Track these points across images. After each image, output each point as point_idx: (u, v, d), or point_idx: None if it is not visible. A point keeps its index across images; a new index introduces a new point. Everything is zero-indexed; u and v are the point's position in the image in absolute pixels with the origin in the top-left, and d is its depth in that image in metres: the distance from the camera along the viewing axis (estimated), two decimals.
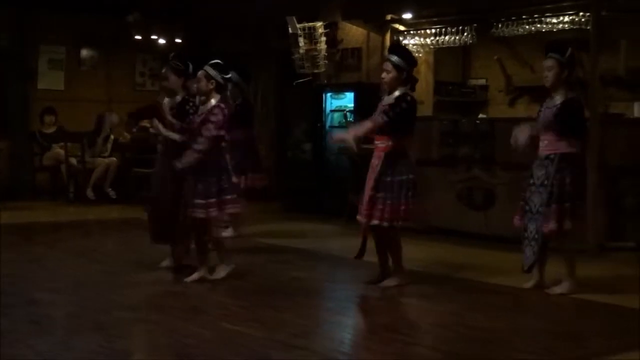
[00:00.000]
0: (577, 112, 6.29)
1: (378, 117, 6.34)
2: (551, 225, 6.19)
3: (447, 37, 10.35)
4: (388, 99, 6.45)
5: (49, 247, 8.38)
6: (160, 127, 6.98)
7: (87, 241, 9.08)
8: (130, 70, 13.94)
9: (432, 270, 7.24)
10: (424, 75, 10.73)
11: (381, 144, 6.45)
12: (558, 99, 6.27)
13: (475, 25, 10.06)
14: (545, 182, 6.23)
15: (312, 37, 11.24)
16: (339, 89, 11.35)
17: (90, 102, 13.07)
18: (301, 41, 11.21)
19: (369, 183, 6.45)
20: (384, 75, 6.49)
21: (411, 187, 6.38)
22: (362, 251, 6.58)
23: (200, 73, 6.63)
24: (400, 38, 10.75)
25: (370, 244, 6.57)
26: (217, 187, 6.44)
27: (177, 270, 7.02)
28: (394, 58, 6.43)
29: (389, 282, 6.53)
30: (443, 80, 11.62)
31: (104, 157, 12.46)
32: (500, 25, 9.76)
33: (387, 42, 10.78)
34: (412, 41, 10.67)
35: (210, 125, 6.44)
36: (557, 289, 6.32)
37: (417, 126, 6.64)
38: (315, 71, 11.43)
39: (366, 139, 9.89)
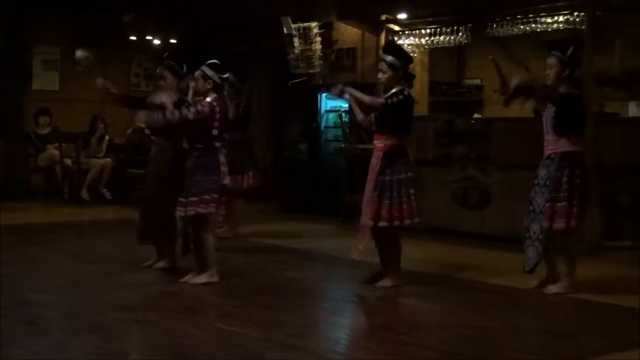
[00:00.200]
0: (575, 110, 6.28)
1: (377, 98, 6.32)
2: (557, 224, 6.17)
3: (442, 37, 10.36)
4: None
5: (44, 248, 8.36)
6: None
7: (82, 242, 9.07)
8: (125, 71, 13.92)
9: (428, 270, 7.24)
10: (419, 75, 10.71)
11: (380, 143, 6.44)
12: None
13: (470, 25, 10.07)
14: (547, 182, 6.23)
15: (307, 37, 11.23)
16: None
17: (85, 103, 13.02)
18: (296, 41, 11.20)
19: (370, 184, 6.44)
20: (380, 75, 6.49)
21: (411, 186, 6.38)
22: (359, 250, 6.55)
23: (197, 73, 6.60)
24: (395, 38, 10.75)
25: (369, 245, 6.56)
26: (201, 187, 6.42)
27: (172, 271, 7.02)
28: (389, 58, 6.44)
29: (385, 282, 6.52)
30: (438, 80, 11.62)
31: (99, 157, 12.44)
32: (495, 25, 9.76)
33: (382, 42, 10.78)
34: (407, 41, 10.67)
35: (192, 109, 6.44)
36: (554, 289, 6.32)
37: (412, 126, 6.63)
38: (311, 71, 11.42)
39: (362, 140, 9.95)
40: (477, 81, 12.03)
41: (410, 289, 6.51)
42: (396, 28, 10.86)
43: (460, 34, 10.15)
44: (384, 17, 10.80)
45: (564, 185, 6.20)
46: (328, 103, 11.35)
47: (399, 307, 6.22)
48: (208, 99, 6.54)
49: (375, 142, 6.51)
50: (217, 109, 6.49)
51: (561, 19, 9.23)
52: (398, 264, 6.57)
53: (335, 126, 11.07)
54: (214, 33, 13.33)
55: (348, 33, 11.53)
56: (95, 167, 12.25)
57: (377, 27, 10.96)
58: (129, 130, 12.69)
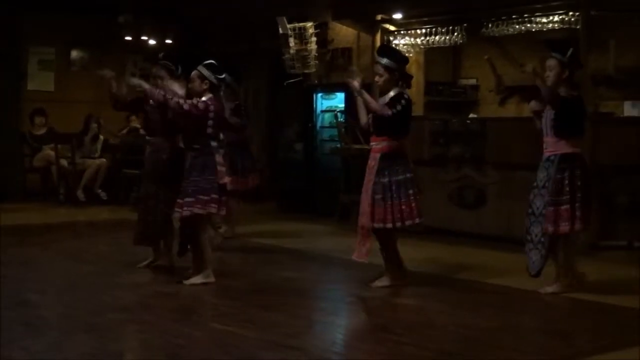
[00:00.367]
0: (575, 111, 6.26)
1: (385, 107, 6.30)
2: (563, 227, 6.15)
3: (437, 37, 10.36)
4: (382, 100, 6.44)
5: (40, 249, 8.35)
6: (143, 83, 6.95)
7: (78, 242, 9.06)
8: (120, 71, 13.89)
9: (424, 269, 7.24)
10: (415, 76, 10.69)
11: (377, 145, 6.43)
12: None
13: (465, 25, 10.08)
14: (547, 184, 6.21)
15: (302, 37, 11.23)
16: (330, 89, 11.36)
17: (80, 103, 13.02)
18: (292, 41, 11.20)
19: (367, 186, 6.43)
20: (377, 79, 6.49)
21: (410, 187, 6.38)
22: (363, 252, 6.53)
23: (193, 73, 6.60)
24: (391, 38, 10.76)
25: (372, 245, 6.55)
26: (197, 187, 6.42)
27: (168, 271, 7.02)
28: (384, 60, 6.43)
29: (381, 282, 6.52)
30: (433, 80, 11.62)
31: (94, 158, 12.43)
32: (490, 25, 9.77)
33: (378, 42, 10.78)
34: (402, 41, 10.67)
35: (187, 101, 6.48)
36: (549, 289, 6.33)
37: (410, 127, 6.62)
38: (306, 71, 11.42)
39: (357, 140, 9.97)
40: (473, 81, 12.03)
41: (407, 289, 6.51)
42: (391, 28, 10.86)
43: (455, 33, 10.16)
44: (379, 17, 10.80)
45: (565, 187, 6.18)
46: (324, 103, 11.36)
47: (395, 307, 6.22)
48: (203, 98, 6.54)
49: (372, 143, 6.50)
50: (212, 107, 6.49)
51: (556, 18, 9.24)
52: (399, 264, 6.57)
53: (331, 126, 11.08)
54: (210, 33, 13.32)
55: (343, 33, 11.53)
56: (90, 167, 12.24)
57: (372, 27, 10.96)
58: (123, 131, 12.71)
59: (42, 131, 12.51)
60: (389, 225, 6.34)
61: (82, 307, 5.81)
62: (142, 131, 7.62)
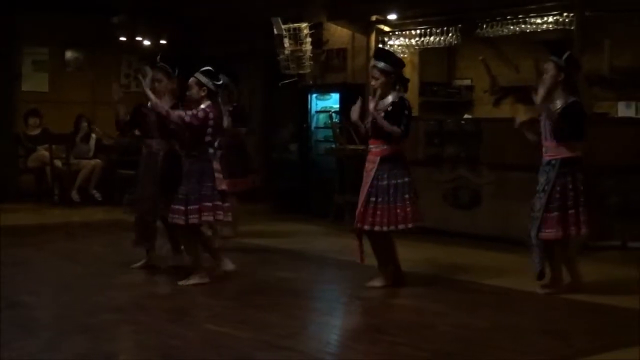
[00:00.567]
0: (577, 117, 6.24)
1: (395, 128, 6.29)
2: (553, 233, 6.15)
3: (432, 38, 10.37)
4: (382, 104, 6.41)
5: (35, 250, 8.34)
6: (150, 95, 6.93)
7: (72, 243, 9.05)
8: (115, 72, 13.89)
9: (419, 270, 7.24)
10: (409, 76, 10.63)
11: (376, 148, 6.41)
12: (558, 102, 6.22)
13: (460, 25, 10.09)
14: (545, 188, 6.19)
15: (297, 38, 11.23)
16: (325, 90, 11.36)
17: (74, 104, 13.02)
18: (286, 42, 11.20)
19: (364, 188, 6.41)
20: (373, 82, 6.48)
21: (407, 191, 6.37)
22: (361, 254, 6.53)
23: (191, 80, 6.58)
24: (385, 39, 10.77)
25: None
26: (198, 194, 6.42)
27: (163, 272, 7.02)
28: (381, 64, 6.41)
29: (375, 283, 6.52)
30: (428, 81, 11.62)
31: (89, 158, 12.41)
32: (485, 26, 9.78)
33: (372, 43, 10.79)
34: (397, 42, 10.68)
35: (189, 112, 6.47)
36: (546, 290, 6.32)
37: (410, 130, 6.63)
38: (301, 72, 11.42)
39: (352, 140, 9.96)
40: (468, 81, 12.05)
41: (402, 289, 6.52)
42: (386, 29, 10.86)
43: (450, 34, 10.16)
44: (374, 18, 10.80)
45: (569, 192, 6.17)
46: (318, 104, 11.36)
47: (391, 307, 6.22)
48: (202, 106, 6.52)
49: (371, 146, 6.46)
50: (211, 115, 6.49)
51: (551, 19, 9.25)
52: (388, 265, 6.57)
53: (326, 127, 11.08)
54: (204, 34, 13.31)
55: (338, 34, 11.54)
56: (85, 168, 12.22)
57: (367, 27, 10.96)
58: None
59: (36, 132, 12.49)
60: (379, 229, 6.33)
61: (77, 307, 5.81)
62: (137, 132, 7.57)
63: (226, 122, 7.63)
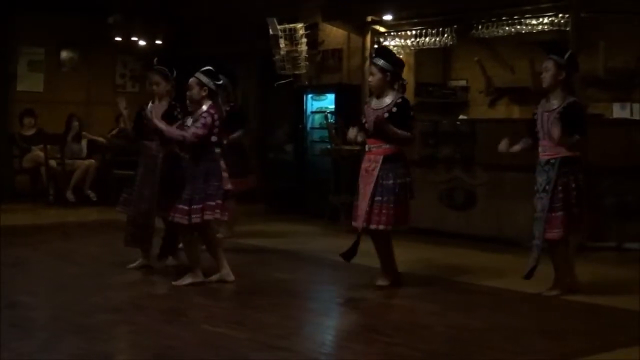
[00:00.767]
0: (578, 116, 6.24)
1: (406, 133, 6.32)
2: (555, 233, 6.14)
3: (427, 39, 10.38)
4: (378, 103, 6.42)
5: (30, 250, 8.32)
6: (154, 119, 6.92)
7: (67, 243, 9.03)
8: (110, 72, 13.89)
9: (415, 270, 7.25)
10: (405, 77, 10.73)
11: (377, 147, 6.39)
12: (555, 102, 6.20)
13: (455, 26, 10.10)
14: (547, 188, 6.14)
15: (292, 38, 11.23)
16: (320, 90, 11.36)
17: (69, 104, 13.00)
18: (282, 42, 11.19)
19: (367, 188, 6.36)
20: (370, 79, 6.49)
21: (408, 190, 6.40)
22: (352, 253, 6.51)
23: (192, 80, 6.52)
24: (381, 39, 10.78)
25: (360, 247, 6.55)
26: (202, 193, 6.41)
27: (158, 272, 7.01)
28: (380, 62, 6.42)
29: (383, 282, 6.52)
30: (424, 82, 11.63)
31: (83, 158, 12.40)
32: (480, 27, 9.80)
33: (368, 44, 10.80)
34: (392, 42, 10.69)
35: (198, 124, 6.39)
36: (552, 292, 6.31)
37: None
38: (296, 72, 11.42)
39: (346, 141, 9.95)
40: (463, 82, 12.06)
41: (397, 290, 6.52)
42: (382, 29, 10.87)
43: (445, 35, 10.18)
44: (369, 19, 10.81)
45: (572, 192, 6.15)
46: (314, 104, 11.36)
47: (386, 308, 6.22)
48: (204, 107, 6.49)
49: (371, 145, 6.43)
50: (215, 116, 6.46)
51: (546, 20, 9.27)
52: (394, 268, 6.58)
53: (321, 127, 11.08)
54: (200, 34, 13.30)
55: (334, 34, 11.54)
56: (79, 168, 12.21)
57: (362, 28, 10.97)
58: (113, 132, 12.68)
59: (31, 132, 12.46)
60: (384, 228, 6.33)
61: (72, 308, 5.79)
62: (132, 132, 7.54)
63: None
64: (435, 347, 5.00)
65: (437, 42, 10.32)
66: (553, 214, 6.14)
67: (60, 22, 12.97)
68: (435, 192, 9.17)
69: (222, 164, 6.53)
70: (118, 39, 13.19)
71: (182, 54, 11.72)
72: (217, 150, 6.52)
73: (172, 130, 6.58)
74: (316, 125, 11.30)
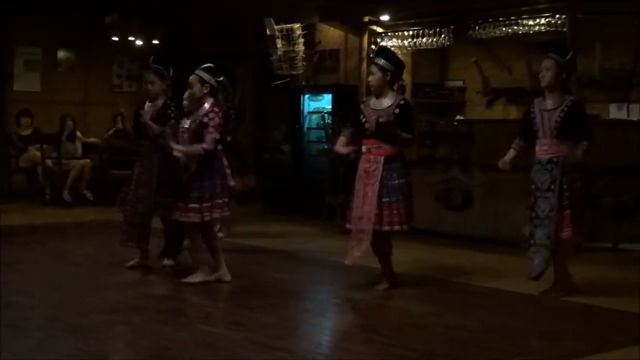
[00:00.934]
0: (583, 116, 6.25)
1: (408, 135, 6.33)
2: (568, 232, 6.11)
3: (424, 39, 10.39)
4: (378, 103, 6.39)
5: (26, 250, 8.31)
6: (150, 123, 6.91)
7: (64, 243, 9.03)
8: (107, 72, 13.88)
9: (412, 271, 7.25)
10: (402, 77, 10.75)
11: (377, 148, 6.36)
12: (553, 102, 6.19)
13: (452, 27, 10.10)
14: (552, 187, 6.12)
15: (289, 38, 11.22)
16: (317, 91, 11.36)
17: (66, 104, 12.99)
18: (279, 43, 11.19)
19: (368, 189, 6.32)
20: (370, 78, 6.48)
21: (410, 189, 6.40)
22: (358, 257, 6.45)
23: (192, 77, 6.47)
24: (378, 40, 10.78)
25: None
26: (211, 191, 6.39)
27: (154, 272, 7.01)
28: (381, 61, 6.39)
29: (384, 285, 6.50)
30: (421, 82, 11.63)
31: (77, 158, 12.39)
32: (477, 27, 9.81)
33: (365, 44, 10.81)
34: (389, 43, 10.68)
35: (211, 129, 6.35)
36: (553, 293, 6.30)
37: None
38: (293, 73, 11.42)
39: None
40: (460, 83, 12.07)
41: (394, 290, 6.51)
42: (379, 30, 10.88)
43: (442, 35, 10.18)
44: (366, 19, 10.81)
45: (577, 190, 6.14)
46: (311, 104, 11.36)
47: (383, 308, 6.22)
48: (206, 105, 6.45)
49: (371, 146, 6.38)
50: (220, 114, 6.45)
51: (543, 21, 9.28)
52: (391, 270, 6.58)
53: (318, 127, 11.08)
54: (197, 34, 13.30)
55: (331, 34, 11.54)
56: (75, 168, 12.19)
57: (359, 28, 10.97)
58: (110, 132, 12.67)
59: (28, 132, 12.45)
60: (400, 228, 6.33)
61: (68, 308, 5.79)
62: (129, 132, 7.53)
63: None
64: (432, 347, 5.00)
65: (434, 42, 10.32)
66: (564, 213, 6.10)
67: (57, 22, 12.97)
68: (432, 192, 9.17)
69: (225, 161, 6.52)
70: (115, 39, 13.18)
71: (180, 53, 11.71)
72: (220, 147, 6.51)
73: (192, 149, 6.38)
74: (313, 125, 11.30)
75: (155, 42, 13.21)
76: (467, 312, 5.93)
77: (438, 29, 10.19)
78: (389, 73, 6.38)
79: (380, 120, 6.25)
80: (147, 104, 7.17)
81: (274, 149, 11.66)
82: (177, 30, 13.40)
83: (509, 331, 5.41)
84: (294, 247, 8.69)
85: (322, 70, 11.65)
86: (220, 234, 8.03)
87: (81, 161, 12.33)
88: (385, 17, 10.57)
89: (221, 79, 6.70)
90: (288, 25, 11.24)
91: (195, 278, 6.53)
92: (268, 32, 11.18)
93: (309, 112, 11.36)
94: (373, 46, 10.51)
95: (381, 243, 6.46)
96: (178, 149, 6.39)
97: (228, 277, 6.63)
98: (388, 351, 4.91)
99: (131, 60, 13.73)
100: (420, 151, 9.36)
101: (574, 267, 6.58)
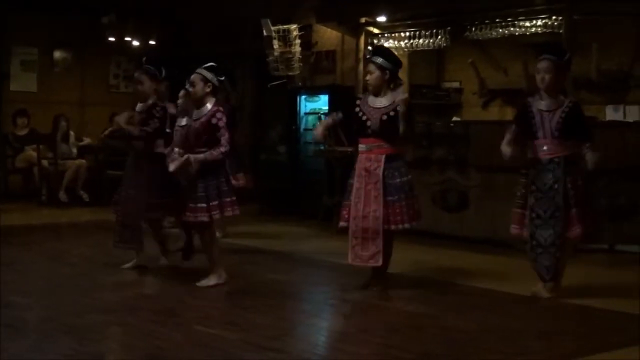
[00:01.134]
0: (582, 118, 6.25)
1: (410, 135, 6.34)
2: (577, 230, 6.10)
3: (421, 40, 10.40)
4: (377, 102, 6.37)
5: (22, 250, 8.30)
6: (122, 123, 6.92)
7: (60, 244, 9.02)
8: (104, 72, 13.87)
9: (408, 272, 7.25)
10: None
11: (378, 147, 6.33)
12: (551, 103, 6.17)
13: (449, 28, 10.11)
14: (556, 186, 6.10)
15: (286, 39, 11.22)
16: (314, 92, 11.36)
17: (63, 104, 12.98)
18: (276, 43, 11.19)
19: (369, 187, 6.30)
20: (368, 77, 6.46)
21: (412, 188, 6.40)
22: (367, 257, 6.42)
23: (195, 76, 6.42)
24: (375, 41, 10.78)
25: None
26: (217, 190, 6.37)
27: (151, 272, 7.00)
28: (379, 60, 6.38)
29: (380, 285, 6.50)
30: (417, 83, 11.64)
31: (73, 159, 12.37)
32: (474, 29, 9.82)
33: (362, 45, 10.81)
34: (386, 44, 10.68)
35: (223, 130, 6.31)
36: (548, 293, 6.30)
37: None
38: (290, 74, 11.42)
39: (341, 142, 9.95)
40: (456, 84, 12.08)
41: (390, 291, 6.51)
42: (375, 31, 10.88)
43: (439, 37, 10.20)
44: (363, 20, 10.82)
45: (580, 189, 6.14)
46: (307, 105, 11.36)
47: (379, 309, 6.21)
48: (209, 105, 6.41)
49: (372, 145, 6.35)
50: (224, 113, 6.43)
51: (539, 22, 9.30)
52: (385, 269, 6.58)
53: (315, 128, 11.07)
54: (193, 35, 13.29)
55: (327, 35, 11.55)
56: (70, 169, 12.18)
57: (356, 29, 10.98)
58: (105, 132, 12.66)
59: (24, 132, 12.44)
60: (410, 226, 6.33)
61: (64, 308, 5.78)
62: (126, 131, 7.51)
63: None
64: (429, 348, 5.00)
65: (430, 43, 10.34)
66: (570, 212, 6.10)
67: (53, 22, 12.96)
68: (428, 193, 9.16)
69: (227, 160, 6.53)
70: (112, 39, 13.18)
71: (177, 54, 11.72)
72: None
73: (211, 155, 6.32)
74: (310, 126, 11.29)
75: (152, 42, 13.21)
76: (465, 313, 5.93)
77: (435, 30, 10.20)
78: (387, 71, 6.37)
79: (399, 108, 6.22)
80: (139, 104, 7.16)
81: (271, 150, 11.66)
82: (175, 31, 13.39)
83: (507, 332, 5.41)
84: (290, 247, 8.69)
85: (319, 71, 11.65)
86: (217, 234, 8.02)
87: (77, 161, 12.32)
88: (382, 18, 10.58)
89: (223, 78, 6.68)
90: (285, 26, 11.23)
91: (209, 281, 6.50)
92: (265, 33, 11.17)
93: (306, 113, 11.36)
94: (369, 47, 10.51)
95: (387, 242, 6.43)
96: (197, 159, 6.29)
97: (224, 278, 6.62)
98: (384, 352, 4.91)
99: (128, 60, 13.73)
100: (417, 152, 9.35)
101: (571, 268, 6.58)
